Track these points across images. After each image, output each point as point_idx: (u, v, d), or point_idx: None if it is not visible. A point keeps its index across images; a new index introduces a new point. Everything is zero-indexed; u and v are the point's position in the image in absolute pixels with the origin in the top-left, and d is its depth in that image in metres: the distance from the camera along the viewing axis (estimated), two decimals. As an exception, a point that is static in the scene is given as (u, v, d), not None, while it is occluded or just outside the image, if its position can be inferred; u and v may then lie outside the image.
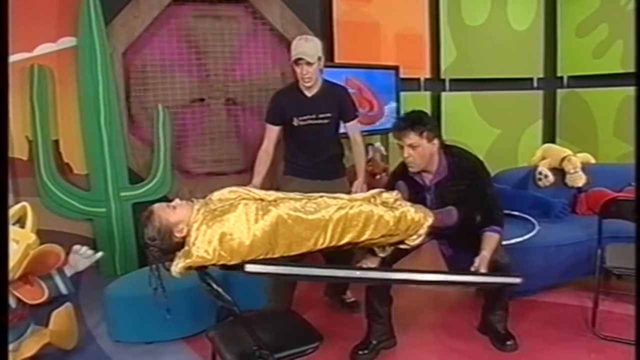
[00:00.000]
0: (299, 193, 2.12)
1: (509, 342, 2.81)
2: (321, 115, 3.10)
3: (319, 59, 3.04)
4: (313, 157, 3.13)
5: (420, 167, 2.61)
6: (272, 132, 3.16)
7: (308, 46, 3.01)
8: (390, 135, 4.81)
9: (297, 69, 3.02)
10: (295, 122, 3.08)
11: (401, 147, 2.58)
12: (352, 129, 3.27)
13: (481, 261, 2.45)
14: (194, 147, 4.42)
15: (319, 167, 3.13)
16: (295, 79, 3.14)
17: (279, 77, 4.46)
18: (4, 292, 1.76)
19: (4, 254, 1.80)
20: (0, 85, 1.90)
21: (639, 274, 2.48)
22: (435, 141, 2.58)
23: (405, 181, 2.61)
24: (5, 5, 1.82)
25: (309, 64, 2.98)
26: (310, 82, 3.05)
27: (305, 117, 3.07)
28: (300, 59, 2.97)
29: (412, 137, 2.52)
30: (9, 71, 3.70)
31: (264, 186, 2.87)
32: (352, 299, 3.42)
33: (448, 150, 2.68)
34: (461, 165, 2.66)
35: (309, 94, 3.10)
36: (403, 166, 2.68)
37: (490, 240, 2.55)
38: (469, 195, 2.59)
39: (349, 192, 2.80)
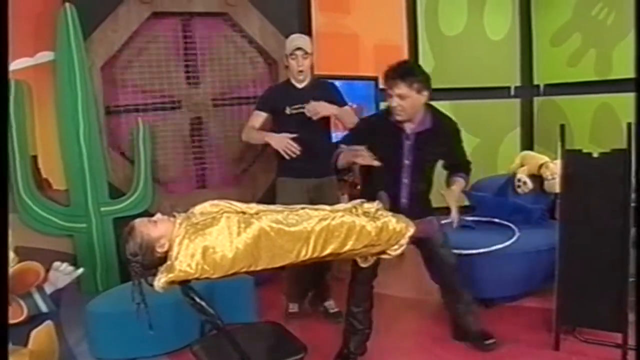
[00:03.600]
0: (281, 205, 2.13)
1: (488, 341, 2.89)
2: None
3: (311, 55, 3.30)
4: (305, 149, 3.15)
5: (407, 117, 2.66)
6: (259, 117, 3.33)
7: (304, 40, 3.29)
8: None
9: (293, 62, 3.24)
10: (288, 111, 3.25)
11: (390, 96, 2.62)
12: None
13: (451, 193, 2.71)
14: (172, 160, 4.39)
15: (311, 162, 3.16)
16: (287, 77, 3.38)
17: (258, 88, 4.47)
18: (4, 294, 1.73)
19: (4, 257, 1.78)
20: (0, 88, 1.89)
21: (638, 276, 2.55)
22: (425, 93, 2.65)
23: (384, 127, 2.70)
24: (5, 13, 1.81)
25: (306, 54, 3.23)
26: (303, 74, 3.27)
27: (296, 106, 3.23)
28: (299, 48, 3.21)
29: (402, 88, 2.59)
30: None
31: (245, 199, 2.88)
32: (336, 309, 3.43)
33: (428, 104, 2.77)
34: (443, 120, 2.81)
35: (299, 86, 3.29)
36: (385, 112, 2.74)
37: (459, 182, 2.79)
38: (449, 148, 2.80)
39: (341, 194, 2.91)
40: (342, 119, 3.32)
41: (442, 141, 2.76)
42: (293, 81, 3.31)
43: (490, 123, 5.61)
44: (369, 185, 2.73)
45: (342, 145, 2.63)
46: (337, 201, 3.38)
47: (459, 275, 2.90)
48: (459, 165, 2.86)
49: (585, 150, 2.84)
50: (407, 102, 2.59)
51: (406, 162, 2.69)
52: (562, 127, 2.85)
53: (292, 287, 3.51)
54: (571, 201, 2.81)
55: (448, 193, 2.69)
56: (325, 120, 3.31)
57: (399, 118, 2.64)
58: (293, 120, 3.23)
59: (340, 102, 3.37)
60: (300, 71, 3.25)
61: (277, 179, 3.43)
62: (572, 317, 2.83)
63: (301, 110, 3.22)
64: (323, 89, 3.36)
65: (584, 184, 2.76)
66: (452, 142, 2.83)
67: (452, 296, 2.96)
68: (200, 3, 4.21)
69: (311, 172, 3.22)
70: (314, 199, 3.07)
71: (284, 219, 1.97)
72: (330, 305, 3.47)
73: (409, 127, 2.69)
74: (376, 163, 2.48)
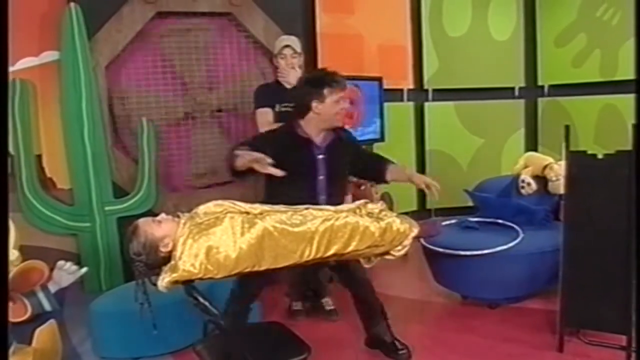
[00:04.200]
0: (285, 205, 2.13)
1: (401, 351, 2.81)
2: None
3: (300, 54, 3.36)
4: None
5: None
6: (267, 114, 3.29)
7: (293, 39, 3.34)
8: (375, 145, 4.88)
9: (282, 61, 3.30)
10: (277, 108, 3.27)
11: (339, 100, 2.58)
12: None
13: (406, 171, 2.79)
14: (186, 162, 4.39)
15: None
16: (275, 78, 3.42)
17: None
18: (4, 294, 1.73)
19: (4, 257, 1.78)
20: (0, 88, 1.90)
21: (638, 278, 2.54)
22: None
23: (294, 142, 2.61)
24: (5, 13, 1.82)
25: (294, 54, 3.30)
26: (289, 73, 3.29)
27: (285, 104, 3.21)
28: (287, 46, 3.27)
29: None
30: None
31: (247, 198, 2.89)
32: (332, 307, 3.44)
33: None
34: (343, 130, 2.84)
35: (288, 86, 3.28)
36: (290, 126, 2.68)
37: (399, 166, 2.83)
38: (357, 153, 2.82)
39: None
40: None
41: (348, 150, 2.74)
42: (282, 82, 3.33)
43: (494, 124, 5.61)
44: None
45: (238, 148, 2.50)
46: None
47: (370, 286, 2.83)
48: (379, 158, 2.84)
49: (589, 152, 2.83)
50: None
51: (320, 177, 2.63)
52: (567, 128, 2.84)
53: (293, 286, 3.51)
54: (576, 202, 2.80)
55: (408, 172, 2.73)
56: None
57: (340, 124, 2.67)
58: (283, 117, 3.22)
59: None
60: (287, 69, 3.29)
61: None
62: (576, 318, 2.82)
63: (290, 109, 3.19)
64: None
65: (589, 185, 2.75)
66: (357, 147, 2.87)
67: (364, 307, 2.84)
68: (204, 3, 4.22)
69: None
70: None
71: (288, 219, 1.97)
72: (327, 302, 3.47)
73: (318, 140, 2.64)
74: (275, 171, 2.33)
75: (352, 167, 2.80)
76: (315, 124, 2.62)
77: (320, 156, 2.63)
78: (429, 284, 3.73)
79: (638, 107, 2.63)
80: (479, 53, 5.51)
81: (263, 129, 3.25)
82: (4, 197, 1.72)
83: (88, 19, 3.85)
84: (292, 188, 2.43)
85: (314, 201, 2.41)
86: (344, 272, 2.78)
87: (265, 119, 3.29)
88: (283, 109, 3.27)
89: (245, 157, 2.38)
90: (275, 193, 2.47)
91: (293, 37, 3.42)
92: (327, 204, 2.42)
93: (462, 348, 2.97)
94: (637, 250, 2.58)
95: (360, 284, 2.79)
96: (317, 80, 2.60)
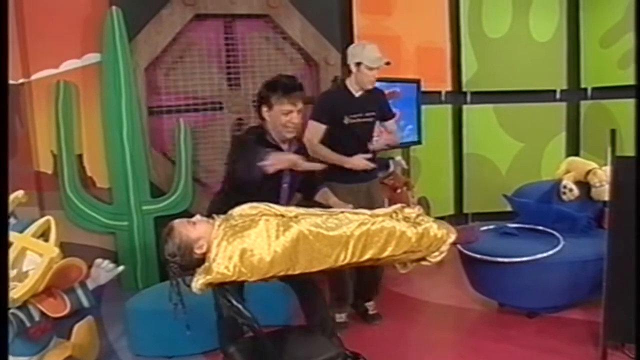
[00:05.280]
0: (320, 209, 2.11)
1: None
2: (367, 114, 3.22)
3: None
4: (360, 154, 3.13)
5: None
6: (320, 130, 3.13)
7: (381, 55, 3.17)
8: (412, 148, 4.83)
9: (370, 73, 3.12)
10: (346, 120, 3.15)
11: (287, 113, 2.46)
12: (390, 124, 3.42)
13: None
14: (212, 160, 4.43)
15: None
16: (343, 83, 3.24)
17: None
18: (4, 292, 1.76)
19: (4, 257, 1.82)
20: (0, 89, 1.94)
21: (638, 279, 2.43)
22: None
23: (264, 147, 2.46)
24: (5, 13, 1.87)
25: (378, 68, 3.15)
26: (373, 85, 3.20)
27: (354, 115, 3.17)
28: (386, 63, 3.13)
29: (300, 103, 2.51)
30: (31, 85, 3.77)
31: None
32: (375, 311, 3.39)
33: None
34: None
35: (356, 94, 3.20)
36: (260, 130, 2.57)
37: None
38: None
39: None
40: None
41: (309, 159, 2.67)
42: (352, 90, 3.19)
43: (534, 127, 5.47)
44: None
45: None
46: (383, 204, 3.33)
47: (323, 301, 2.65)
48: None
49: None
50: (301, 116, 2.52)
51: (284, 185, 2.56)
52: (613, 132, 2.73)
53: (340, 298, 3.32)
54: (621, 209, 2.69)
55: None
56: (375, 123, 3.33)
57: (291, 135, 2.53)
58: (349, 130, 3.16)
59: (390, 112, 3.41)
60: (373, 83, 3.19)
61: (327, 183, 3.03)
62: (621, 332, 2.71)
63: (358, 120, 3.17)
64: (375, 97, 3.28)
65: (635, 191, 2.64)
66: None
67: (316, 321, 2.58)
68: (242, 5, 4.26)
69: (362, 177, 3.19)
70: (364, 202, 3.00)
71: (323, 222, 1.95)
72: (371, 306, 3.42)
73: (285, 147, 2.57)
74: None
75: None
76: (272, 131, 2.55)
77: None
78: (465, 291, 3.65)
79: (638, 108, 2.54)
80: (519, 54, 5.39)
81: (315, 146, 3.09)
82: (4, 197, 1.75)
83: (129, 22, 3.93)
84: (255, 195, 2.28)
85: None
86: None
87: (316, 134, 3.12)
88: (352, 121, 3.16)
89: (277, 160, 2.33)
90: (234, 200, 2.29)
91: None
92: None
93: (498, 357, 2.90)
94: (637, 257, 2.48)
95: (307, 292, 2.58)
96: (270, 86, 2.52)
